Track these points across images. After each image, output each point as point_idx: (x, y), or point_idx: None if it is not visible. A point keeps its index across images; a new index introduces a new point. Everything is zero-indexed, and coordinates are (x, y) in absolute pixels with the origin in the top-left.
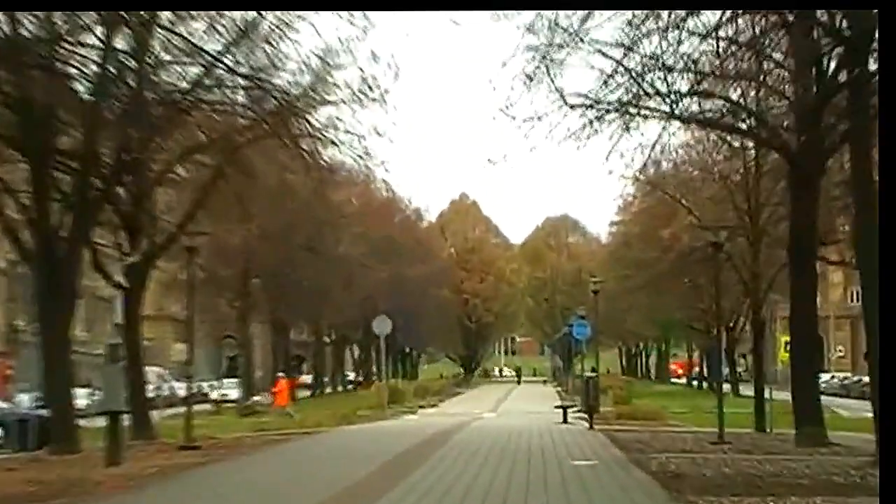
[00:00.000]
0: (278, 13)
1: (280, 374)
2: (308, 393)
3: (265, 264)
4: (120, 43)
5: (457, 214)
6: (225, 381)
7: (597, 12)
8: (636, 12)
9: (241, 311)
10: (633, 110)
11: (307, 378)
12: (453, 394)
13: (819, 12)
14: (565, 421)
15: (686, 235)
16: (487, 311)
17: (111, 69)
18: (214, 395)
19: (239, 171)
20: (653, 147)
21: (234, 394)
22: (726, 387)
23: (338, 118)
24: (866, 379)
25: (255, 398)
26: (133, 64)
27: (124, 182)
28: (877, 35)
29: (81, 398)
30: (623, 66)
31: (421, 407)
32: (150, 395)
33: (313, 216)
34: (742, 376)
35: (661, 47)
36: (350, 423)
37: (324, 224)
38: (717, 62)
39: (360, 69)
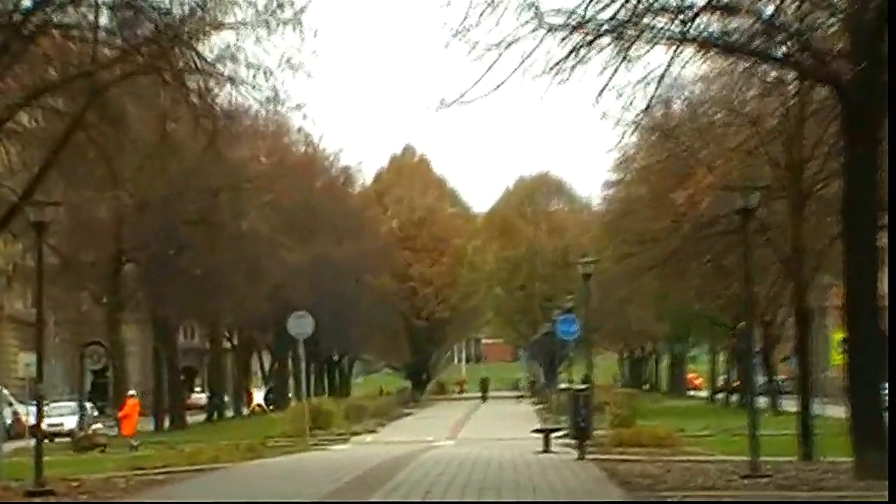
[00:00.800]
0: None
1: (130, 393)
2: (202, 416)
3: (142, 245)
4: None
5: (400, 175)
6: (55, 404)
7: None
8: None
9: (111, 308)
10: (632, 32)
11: (201, 396)
12: (398, 415)
13: None
14: (547, 450)
15: (706, 199)
16: (442, 303)
17: None
18: (45, 423)
19: (104, 120)
20: (660, 81)
21: (69, 422)
22: (762, 401)
23: (237, 47)
24: None
25: (94, 427)
26: None
27: None
28: None
29: None
30: None
31: (355, 433)
32: None
33: (206, 180)
34: (783, 386)
35: None
36: (258, 457)
37: (220, 190)
38: None
39: None
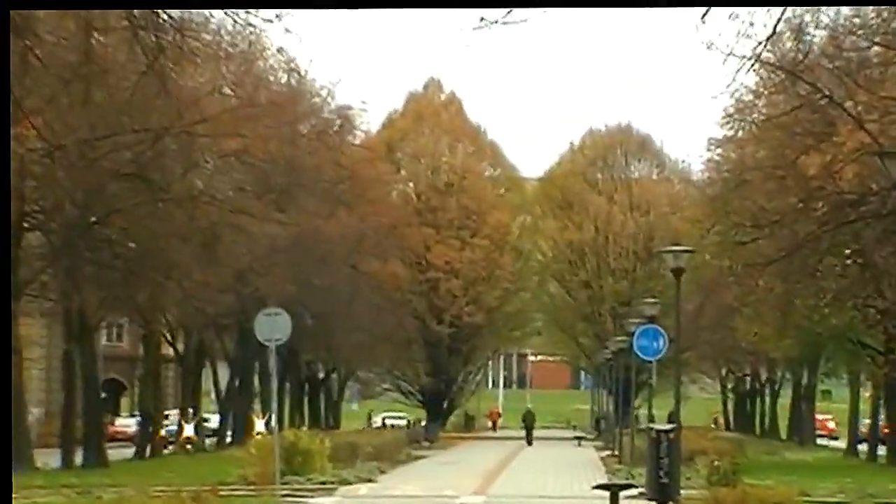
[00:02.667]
0: None
1: None
2: (130, 451)
3: (54, 206)
4: None
5: (420, 121)
6: None
7: None
8: None
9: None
10: None
11: (129, 423)
12: (406, 458)
13: None
14: None
15: (851, 168)
16: (474, 303)
17: None
18: None
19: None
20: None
21: None
22: None
23: None
24: None
25: None
26: None
27: None
28: None
29: None
30: None
31: (344, 482)
32: None
33: (146, 118)
34: None
35: None
36: None
37: (165, 133)
38: None
39: None
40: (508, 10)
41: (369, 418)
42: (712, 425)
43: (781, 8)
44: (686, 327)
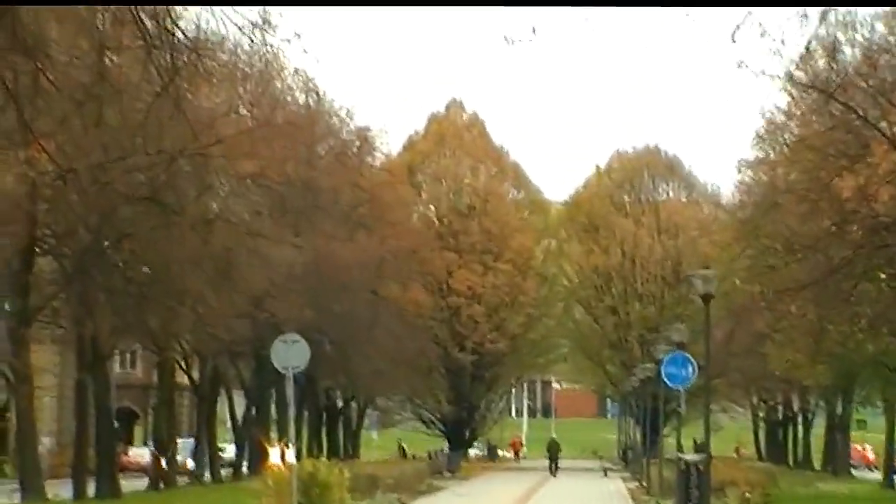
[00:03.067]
0: None
1: None
2: (144, 482)
3: (66, 230)
4: None
5: (441, 142)
6: None
7: None
8: None
9: (17, 319)
10: None
11: (142, 452)
12: (426, 490)
13: None
14: None
15: (887, 191)
16: (497, 330)
17: None
18: None
19: (15, 47)
20: (823, 17)
21: None
22: None
23: None
24: None
25: None
26: None
27: None
28: None
29: None
30: None
31: None
32: None
33: (160, 140)
34: None
35: None
36: None
37: (180, 155)
38: None
39: None
40: (533, 27)
41: (399, 447)
42: (734, 455)
43: (813, 26)
44: (716, 354)
